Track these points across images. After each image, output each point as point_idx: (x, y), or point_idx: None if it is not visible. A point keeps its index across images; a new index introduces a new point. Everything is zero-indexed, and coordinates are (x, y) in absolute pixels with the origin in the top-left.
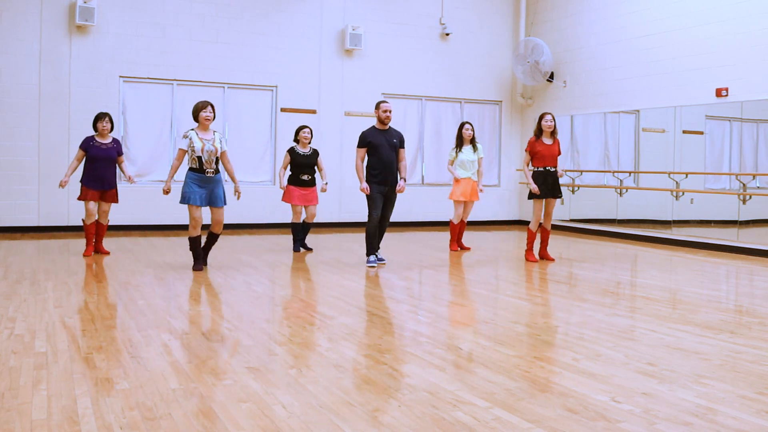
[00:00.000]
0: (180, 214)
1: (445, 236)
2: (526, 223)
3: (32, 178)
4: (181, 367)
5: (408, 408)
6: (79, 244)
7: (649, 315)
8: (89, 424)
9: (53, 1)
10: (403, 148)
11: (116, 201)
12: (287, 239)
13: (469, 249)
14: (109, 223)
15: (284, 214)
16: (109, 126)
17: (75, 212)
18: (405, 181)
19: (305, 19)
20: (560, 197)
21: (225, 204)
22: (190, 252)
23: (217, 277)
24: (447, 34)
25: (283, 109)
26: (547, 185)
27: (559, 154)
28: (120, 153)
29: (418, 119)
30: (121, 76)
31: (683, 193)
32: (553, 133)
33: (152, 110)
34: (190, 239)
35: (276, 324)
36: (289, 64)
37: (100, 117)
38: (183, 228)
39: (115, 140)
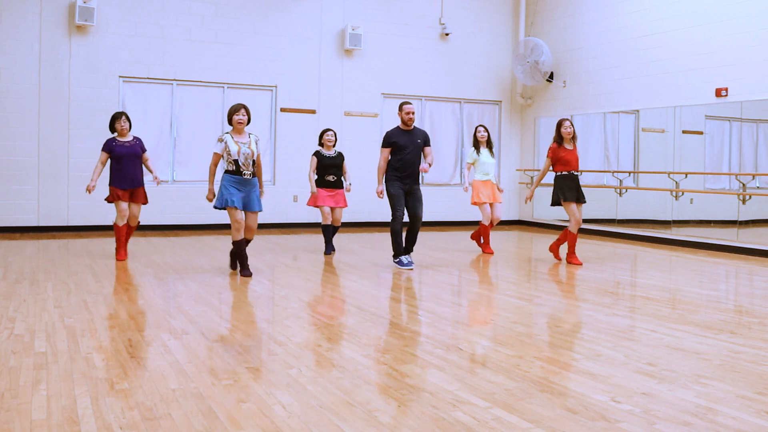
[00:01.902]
0: (179, 215)
1: (445, 236)
2: (526, 223)
3: (32, 178)
4: (180, 367)
5: (408, 408)
6: (79, 244)
7: (649, 315)
8: (89, 424)
9: (53, 1)
10: (429, 146)
11: (145, 201)
12: (287, 239)
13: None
14: (140, 224)
15: (285, 214)
16: (127, 125)
17: (74, 212)
18: (430, 165)
19: (305, 19)
20: (582, 202)
21: (261, 209)
22: (230, 257)
23: (216, 277)
24: (447, 34)
25: (282, 109)
26: (574, 188)
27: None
28: (144, 150)
29: (417, 119)
30: (120, 76)
31: (683, 193)
32: (573, 138)
33: (152, 110)
34: (234, 243)
35: (276, 324)
36: (288, 64)
37: (116, 117)
38: (182, 228)
39: (136, 138)
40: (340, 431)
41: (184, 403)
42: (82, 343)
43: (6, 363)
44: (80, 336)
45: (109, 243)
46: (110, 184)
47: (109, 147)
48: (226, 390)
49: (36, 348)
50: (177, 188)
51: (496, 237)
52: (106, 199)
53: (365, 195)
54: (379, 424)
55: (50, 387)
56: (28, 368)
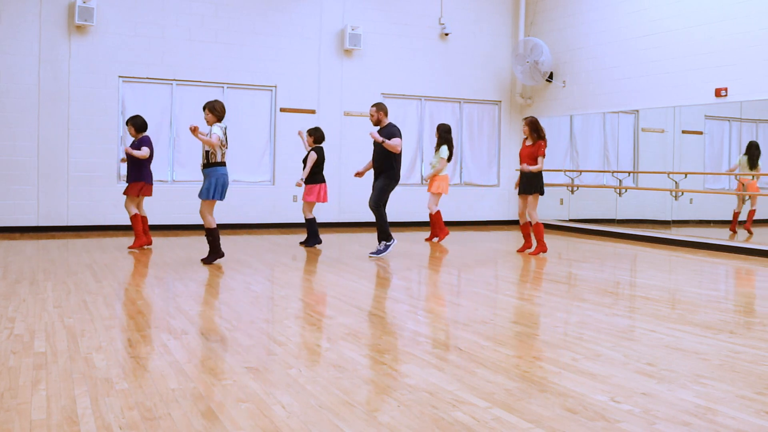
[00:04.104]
0: (178, 215)
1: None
2: None
3: (31, 178)
4: (180, 367)
5: (407, 408)
6: (79, 244)
7: (649, 315)
8: (88, 424)
9: (52, 1)
10: (385, 142)
11: (129, 193)
12: (287, 239)
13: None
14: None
15: (284, 214)
16: (131, 129)
17: (74, 212)
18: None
19: (304, 19)
20: (526, 194)
21: (202, 197)
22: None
23: (216, 277)
24: (446, 34)
25: (282, 109)
26: (521, 183)
27: (539, 154)
28: (129, 146)
29: (417, 119)
30: (120, 76)
31: (682, 193)
32: (533, 135)
33: (151, 110)
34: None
35: (276, 324)
36: (288, 64)
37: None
38: (180, 228)
39: (138, 140)
40: (339, 431)
41: (184, 403)
42: (81, 343)
43: (6, 363)
44: (80, 336)
45: (109, 242)
46: None
47: None
48: (226, 390)
49: (35, 348)
50: (177, 188)
51: (495, 237)
52: None
53: (365, 195)
54: (378, 424)
55: (50, 387)
56: (27, 368)
